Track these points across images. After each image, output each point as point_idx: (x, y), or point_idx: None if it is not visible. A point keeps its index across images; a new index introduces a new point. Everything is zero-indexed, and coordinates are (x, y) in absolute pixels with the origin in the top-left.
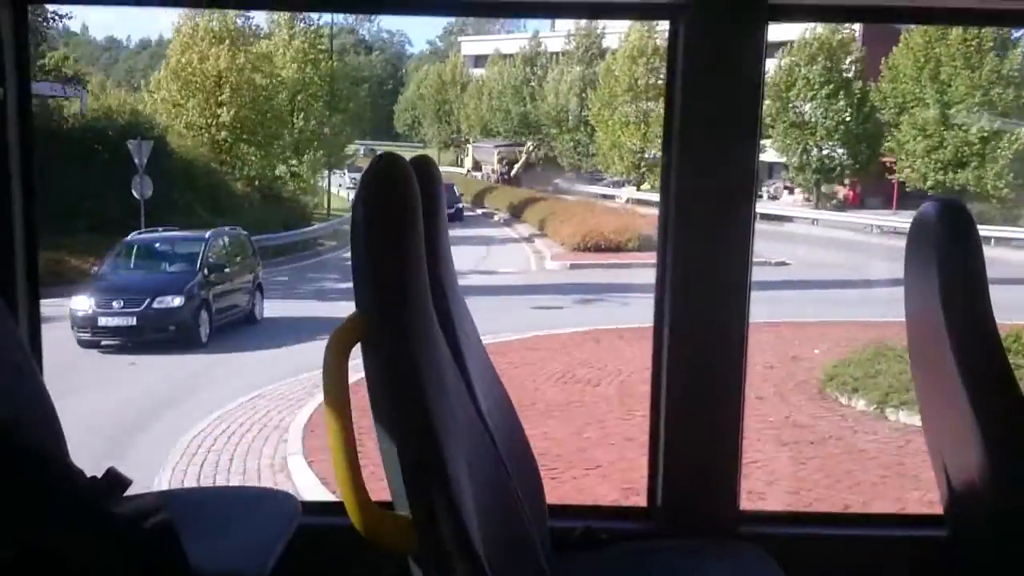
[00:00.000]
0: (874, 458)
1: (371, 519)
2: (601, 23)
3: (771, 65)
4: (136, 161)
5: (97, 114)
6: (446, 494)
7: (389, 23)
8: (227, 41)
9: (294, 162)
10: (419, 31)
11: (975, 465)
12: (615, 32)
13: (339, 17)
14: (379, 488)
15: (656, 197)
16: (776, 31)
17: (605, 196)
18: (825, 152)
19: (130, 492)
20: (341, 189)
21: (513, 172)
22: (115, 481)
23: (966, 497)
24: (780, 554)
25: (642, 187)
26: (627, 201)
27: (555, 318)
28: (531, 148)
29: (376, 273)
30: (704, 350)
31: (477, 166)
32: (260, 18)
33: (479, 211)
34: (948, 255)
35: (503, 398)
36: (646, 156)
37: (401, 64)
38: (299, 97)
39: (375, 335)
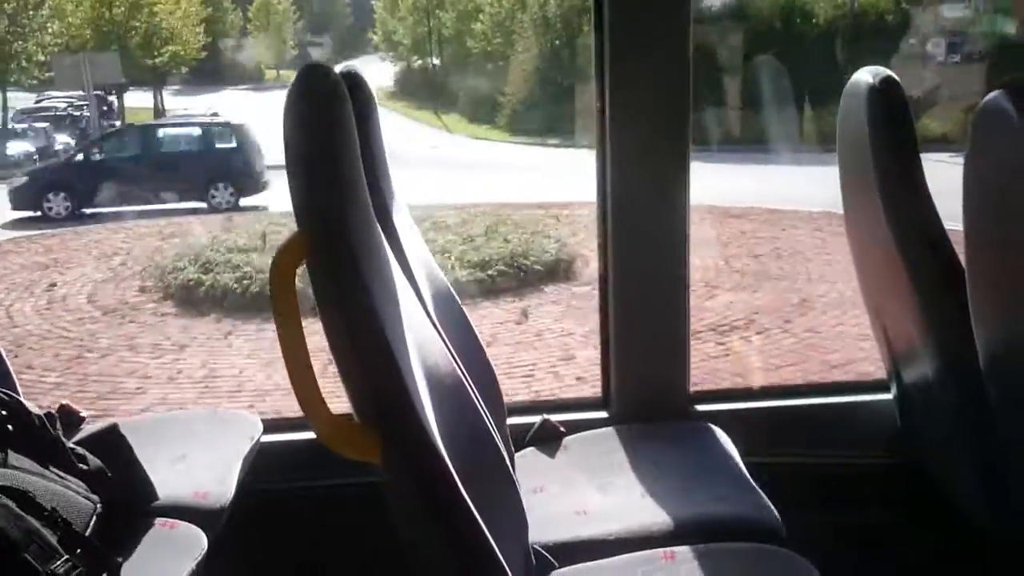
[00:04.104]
0: None
1: (333, 429)
2: None
3: None
4: None
5: None
6: (406, 400)
7: None
8: None
9: None
10: None
11: (913, 326)
12: None
13: None
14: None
15: None
16: None
17: None
18: None
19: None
20: None
21: None
22: (69, 415)
23: (908, 357)
24: (733, 429)
25: None
26: None
27: None
28: None
29: (313, 190)
30: (648, 244)
31: None
32: None
33: None
34: (879, 130)
35: (453, 302)
36: None
37: None
38: None
39: (319, 252)
